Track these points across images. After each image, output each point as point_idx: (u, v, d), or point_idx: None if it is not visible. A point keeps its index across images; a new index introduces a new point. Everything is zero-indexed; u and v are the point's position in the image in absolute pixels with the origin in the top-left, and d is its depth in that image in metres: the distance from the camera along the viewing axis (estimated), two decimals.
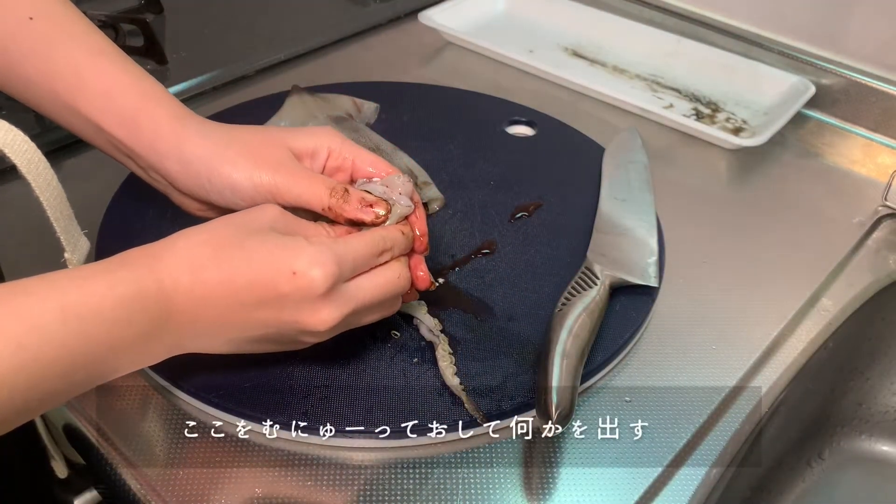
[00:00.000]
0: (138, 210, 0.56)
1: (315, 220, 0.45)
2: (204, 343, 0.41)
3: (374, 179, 0.47)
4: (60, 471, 0.49)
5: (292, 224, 0.42)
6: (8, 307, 0.33)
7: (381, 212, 0.44)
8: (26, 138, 0.40)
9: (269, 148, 0.45)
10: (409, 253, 0.46)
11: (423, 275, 0.47)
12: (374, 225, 0.44)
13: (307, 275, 0.39)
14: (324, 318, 0.40)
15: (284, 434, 0.44)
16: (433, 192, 0.60)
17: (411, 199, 0.46)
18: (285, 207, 0.43)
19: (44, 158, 0.41)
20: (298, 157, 0.46)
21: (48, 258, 0.42)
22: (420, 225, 0.46)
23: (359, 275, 0.42)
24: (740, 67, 0.80)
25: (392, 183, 0.46)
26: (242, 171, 0.44)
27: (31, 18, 0.45)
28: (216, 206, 0.46)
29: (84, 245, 0.45)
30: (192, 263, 0.38)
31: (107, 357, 0.36)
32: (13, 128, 0.40)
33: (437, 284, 0.53)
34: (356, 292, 0.41)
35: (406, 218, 0.45)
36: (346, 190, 0.44)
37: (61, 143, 0.66)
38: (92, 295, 0.35)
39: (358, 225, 0.44)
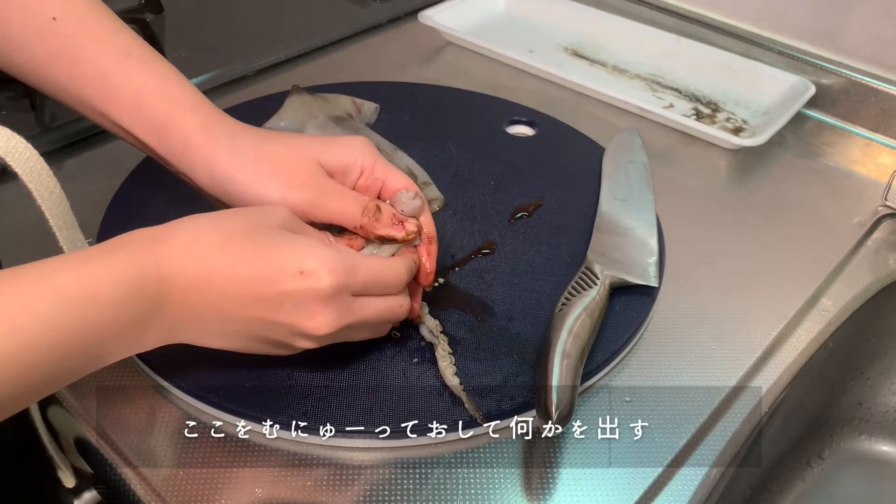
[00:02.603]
0: (138, 210, 0.56)
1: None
2: (194, 332, 0.40)
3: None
4: (68, 480, 0.49)
5: (300, 226, 0.43)
6: (2, 290, 0.33)
7: (413, 228, 0.45)
8: (28, 146, 0.39)
9: (300, 165, 0.45)
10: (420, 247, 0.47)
11: (429, 272, 0.47)
12: (404, 242, 0.45)
13: (314, 275, 0.39)
14: (320, 324, 0.40)
15: (284, 434, 0.44)
16: (433, 192, 0.60)
17: (419, 221, 0.46)
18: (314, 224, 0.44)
19: (46, 166, 0.40)
20: (329, 173, 0.46)
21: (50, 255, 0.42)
22: (430, 261, 0.47)
23: (364, 292, 0.42)
24: (740, 67, 0.80)
25: (397, 199, 0.46)
26: (274, 191, 0.44)
27: (54, 19, 0.45)
28: None
29: None
30: (198, 247, 0.38)
31: (101, 342, 0.36)
32: (14, 135, 0.39)
33: (438, 284, 0.53)
34: (358, 308, 0.41)
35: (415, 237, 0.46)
36: (378, 208, 0.44)
37: (61, 143, 0.66)
38: (88, 278, 0.35)
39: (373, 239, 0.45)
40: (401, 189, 0.47)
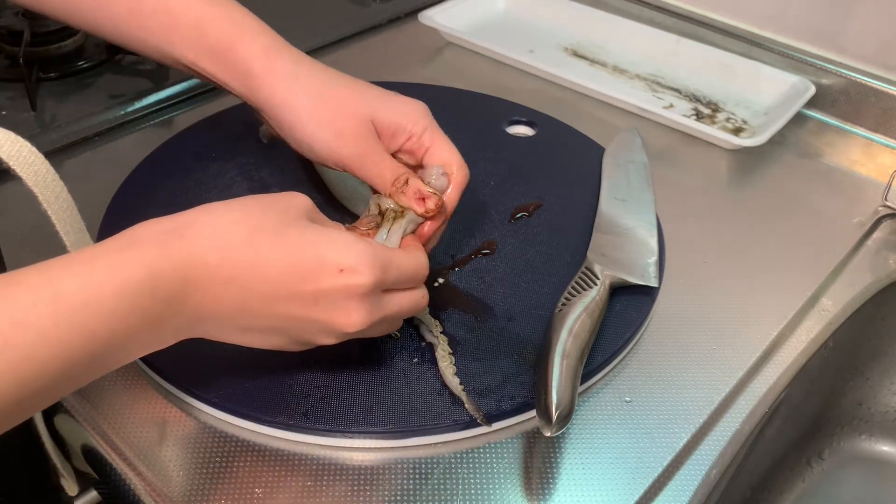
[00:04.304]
0: (138, 210, 0.56)
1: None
2: (214, 328, 0.38)
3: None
4: (71, 489, 0.49)
5: (321, 218, 0.42)
6: None
7: (432, 206, 0.46)
8: (33, 149, 0.38)
9: (355, 117, 0.47)
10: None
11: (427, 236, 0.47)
12: (423, 216, 0.46)
13: (354, 272, 0.38)
14: (354, 320, 0.39)
15: (284, 434, 0.44)
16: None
17: (442, 199, 0.47)
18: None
19: (52, 169, 0.39)
20: (378, 130, 0.47)
21: (51, 256, 0.42)
22: (431, 229, 0.47)
23: (393, 287, 0.42)
24: (740, 67, 0.80)
25: (426, 172, 0.48)
26: (325, 135, 0.46)
27: None
28: (286, 141, 0.49)
29: None
30: (221, 242, 0.36)
31: (109, 348, 0.34)
32: (19, 138, 0.38)
33: (438, 284, 0.53)
34: (387, 303, 0.41)
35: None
36: (407, 181, 0.46)
37: (61, 143, 0.66)
38: (90, 282, 0.33)
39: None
40: (440, 162, 0.48)
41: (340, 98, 0.47)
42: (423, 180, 0.47)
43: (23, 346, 0.31)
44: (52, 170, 0.39)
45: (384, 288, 0.41)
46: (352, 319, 0.39)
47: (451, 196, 0.49)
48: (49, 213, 0.39)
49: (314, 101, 0.47)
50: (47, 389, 0.32)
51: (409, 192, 0.46)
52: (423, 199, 0.46)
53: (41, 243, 0.41)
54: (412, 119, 0.48)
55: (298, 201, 0.41)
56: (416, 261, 0.43)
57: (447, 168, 0.49)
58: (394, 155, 0.49)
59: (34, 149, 0.38)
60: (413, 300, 0.43)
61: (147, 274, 0.34)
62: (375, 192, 0.48)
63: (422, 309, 0.45)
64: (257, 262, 0.37)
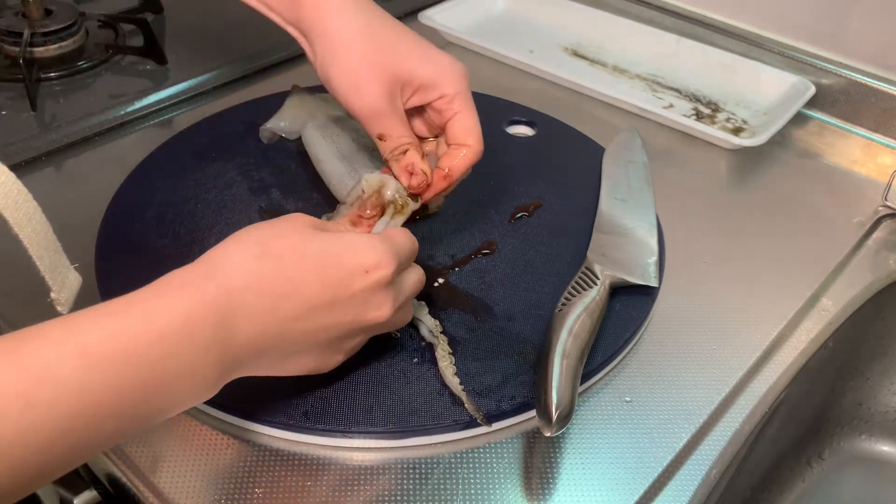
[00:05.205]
0: (138, 210, 0.56)
1: None
2: (253, 365, 0.38)
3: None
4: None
5: (321, 223, 0.43)
6: (17, 356, 0.30)
7: (415, 184, 0.48)
8: (3, 168, 0.36)
9: (378, 70, 0.47)
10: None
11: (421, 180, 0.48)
12: (408, 190, 0.47)
13: (378, 268, 0.40)
14: (385, 310, 0.41)
15: (284, 434, 0.44)
16: None
17: (430, 179, 0.49)
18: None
19: (23, 189, 0.36)
20: (408, 83, 0.48)
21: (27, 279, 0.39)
22: (436, 176, 0.49)
23: (402, 270, 0.43)
24: (740, 67, 0.80)
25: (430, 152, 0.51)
26: (340, 81, 0.48)
27: None
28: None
29: (74, 280, 0.41)
30: (253, 279, 0.37)
31: (142, 400, 0.33)
32: None
33: (438, 284, 0.53)
34: (403, 285, 0.43)
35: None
36: (405, 153, 0.48)
37: (61, 143, 0.66)
38: (121, 332, 0.32)
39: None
40: (462, 130, 0.49)
41: (379, 44, 0.48)
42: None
43: (44, 405, 0.29)
44: (24, 190, 0.37)
45: (399, 271, 0.43)
46: (383, 310, 0.41)
47: (459, 166, 0.49)
48: (21, 237, 0.37)
49: (353, 39, 0.47)
50: (78, 446, 0.31)
51: (403, 162, 0.48)
52: (411, 175, 0.47)
53: (12, 266, 0.38)
54: (448, 80, 0.49)
55: (302, 219, 0.42)
56: (410, 238, 0.45)
57: (465, 138, 0.49)
58: (423, 109, 0.50)
59: (5, 168, 0.36)
60: (417, 278, 0.45)
61: (183, 322, 0.34)
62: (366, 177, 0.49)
63: (423, 285, 0.46)
64: (291, 290, 0.38)
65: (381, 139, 0.49)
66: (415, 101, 0.50)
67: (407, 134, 0.49)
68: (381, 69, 0.47)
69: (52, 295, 0.38)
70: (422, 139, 0.52)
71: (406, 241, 0.44)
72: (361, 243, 0.40)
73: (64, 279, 0.39)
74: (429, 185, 0.49)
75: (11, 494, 0.30)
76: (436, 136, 0.53)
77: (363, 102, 0.48)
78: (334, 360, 0.43)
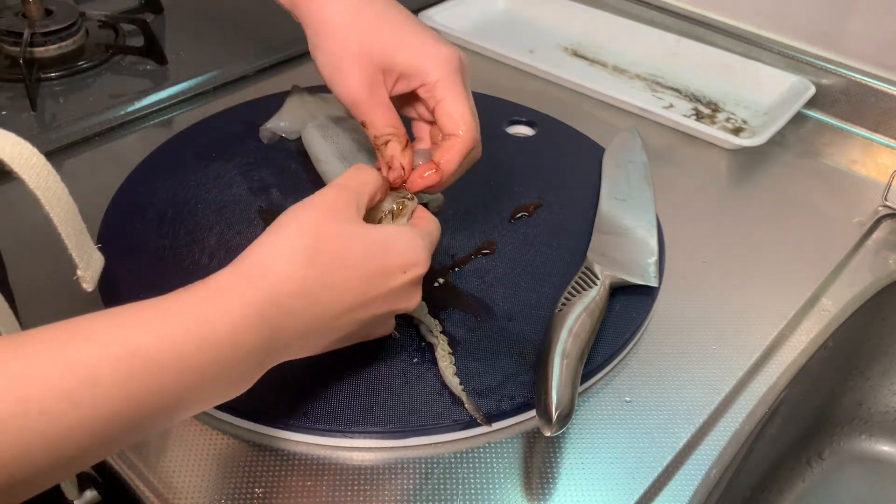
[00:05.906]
0: (139, 210, 0.56)
1: None
2: (286, 355, 0.39)
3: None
4: (71, 492, 0.48)
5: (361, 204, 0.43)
6: (62, 353, 0.29)
7: (390, 178, 0.47)
8: (34, 150, 0.37)
9: (366, 59, 0.47)
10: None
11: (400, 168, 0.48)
12: (389, 181, 0.47)
13: (415, 267, 0.42)
14: (414, 301, 0.44)
15: (284, 434, 0.44)
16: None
17: (405, 173, 0.48)
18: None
19: (53, 171, 0.38)
20: (388, 70, 0.47)
21: (52, 256, 0.41)
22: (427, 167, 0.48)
23: None
24: (740, 67, 0.80)
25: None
26: (329, 68, 0.47)
27: None
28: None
29: (98, 260, 0.42)
30: (299, 287, 0.37)
31: (180, 401, 0.33)
32: (21, 140, 0.37)
33: (438, 284, 0.53)
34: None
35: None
36: (387, 143, 0.47)
37: (61, 143, 0.66)
38: (168, 335, 0.32)
39: None
40: (449, 118, 0.47)
41: (359, 31, 0.47)
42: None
43: (87, 406, 0.29)
44: (53, 172, 0.38)
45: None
46: (413, 301, 0.44)
47: (450, 158, 0.47)
48: (51, 215, 0.38)
49: (341, 25, 0.47)
50: (111, 442, 0.31)
51: (383, 156, 0.48)
52: (391, 169, 0.47)
53: (41, 244, 0.41)
54: (429, 67, 0.47)
55: (345, 208, 0.41)
56: (439, 227, 0.46)
57: (454, 127, 0.47)
58: (412, 97, 0.49)
59: (36, 150, 0.38)
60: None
61: (232, 330, 0.34)
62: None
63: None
64: (336, 297, 0.39)
65: (364, 126, 0.48)
66: (400, 89, 0.49)
67: (390, 123, 0.48)
68: (362, 56, 0.47)
69: (79, 272, 0.40)
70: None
71: (437, 230, 0.46)
72: (403, 243, 0.42)
73: (89, 258, 0.41)
74: (403, 182, 0.47)
75: (39, 487, 0.30)
76: (430, 123, 0.51)
77: (344, 89, 0.47)
78: (355, 341, 0.44)
